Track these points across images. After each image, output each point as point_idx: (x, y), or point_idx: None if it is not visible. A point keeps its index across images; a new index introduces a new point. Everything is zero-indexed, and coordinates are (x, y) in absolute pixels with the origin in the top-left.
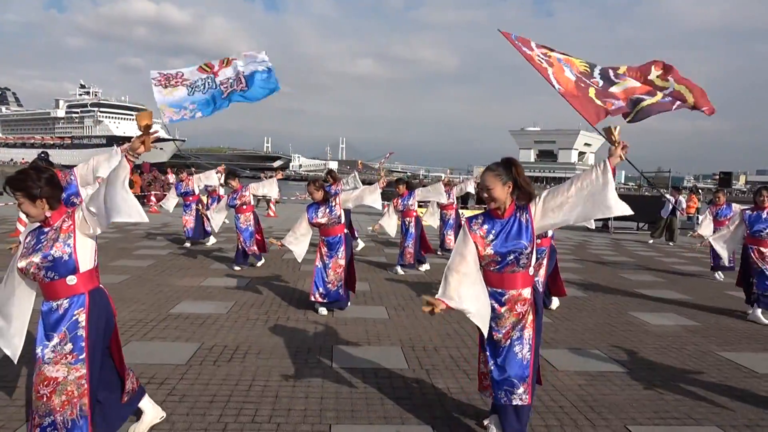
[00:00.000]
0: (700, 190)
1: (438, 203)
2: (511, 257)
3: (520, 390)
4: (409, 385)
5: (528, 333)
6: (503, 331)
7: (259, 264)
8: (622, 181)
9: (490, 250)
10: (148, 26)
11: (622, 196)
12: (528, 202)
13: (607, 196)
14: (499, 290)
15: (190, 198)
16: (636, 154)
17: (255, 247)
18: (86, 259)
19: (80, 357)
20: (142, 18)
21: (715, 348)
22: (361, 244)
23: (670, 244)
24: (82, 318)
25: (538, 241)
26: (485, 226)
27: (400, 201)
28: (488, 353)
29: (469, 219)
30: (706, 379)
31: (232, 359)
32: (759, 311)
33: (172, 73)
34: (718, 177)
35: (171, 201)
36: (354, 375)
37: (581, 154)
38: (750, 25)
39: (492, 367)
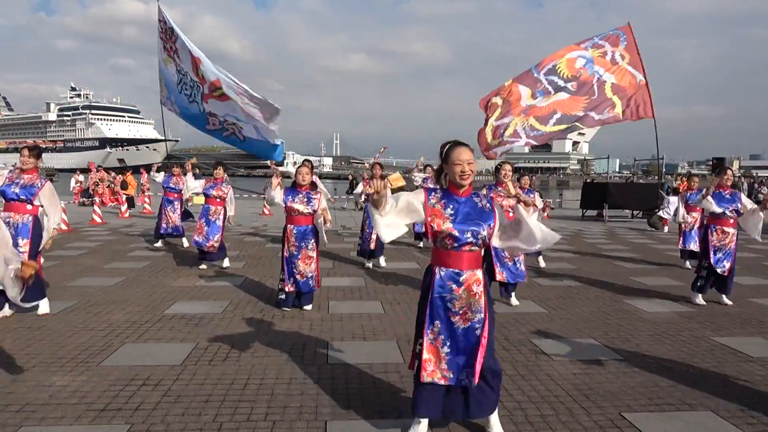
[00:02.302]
0: (695, 177)
1: (423, 187)
2: (469, 236)
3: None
4: (405, 379)
5: (484, 315)
6: (461, 313)
7: (225, 264)
8: (616, 170)
9: (449, 224)
10: (138, 26)
11: (616, 185)
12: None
13: (534, 235)
14: (457, 270)
15: (175, 195)
16: (630, 141)
17: (217, 244)
18: None
19: None
20: (132, 18)
21: (709, 333)
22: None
23: (666, 229)
24: None
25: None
26: (443, 201)
27: (371, 184)
28: (443, 336)
29: (428, 190)
30: (701, 365)
31: (227, 358)
32: (699, 296)
33: (172, 29)
34: (711, 163)
35: (158, 176)
36: (350, 370)
37: (575, 143)
38: (739, 10)
39: (448, 350)
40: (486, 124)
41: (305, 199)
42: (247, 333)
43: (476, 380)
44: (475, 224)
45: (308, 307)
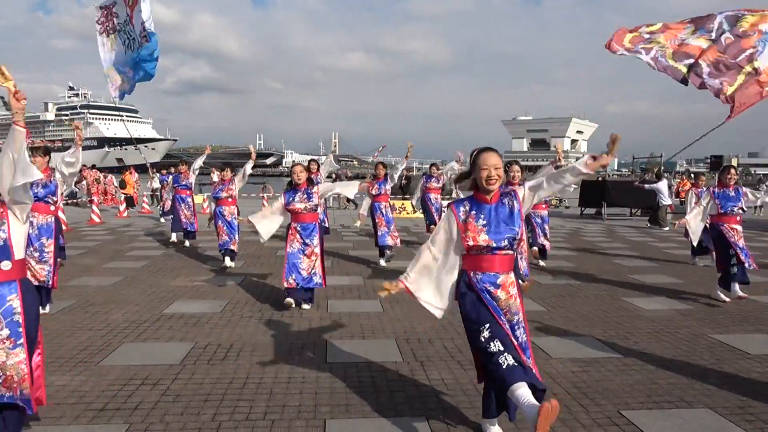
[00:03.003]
0: (692, 174)
1: (425, 187)
2: (506, 242)
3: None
4: (404, 377)
5: (522, 316)
6: (503, 312)
7: (231, 264)
8: (615, 168)
9: (484, 236)
10: None
11: (615, 183)
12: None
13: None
14: (493, 273)
15: (188, 191)
16: (628, 139)
17: (237, 240)
18: (20, 247)
19: (18, 342)
20: None
21: (708, 331)
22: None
23: (665, 229)
24: (17, 304)
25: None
26: (473, 212)
27: (376, 185)
28: (508, 339)
29: (456, 205)
30: (699, 362)
31: (226, 358)
32: (736, 285)
33: (108, 4)
34: (709, 160)
35: (167, 202)
36: (348, 369)
37: (573, 141)
38: (735, 6)
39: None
40: (635, 30)
41: (305, 196)
42: (246, 332)
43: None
44: (509, 230)
45: (306, 306)
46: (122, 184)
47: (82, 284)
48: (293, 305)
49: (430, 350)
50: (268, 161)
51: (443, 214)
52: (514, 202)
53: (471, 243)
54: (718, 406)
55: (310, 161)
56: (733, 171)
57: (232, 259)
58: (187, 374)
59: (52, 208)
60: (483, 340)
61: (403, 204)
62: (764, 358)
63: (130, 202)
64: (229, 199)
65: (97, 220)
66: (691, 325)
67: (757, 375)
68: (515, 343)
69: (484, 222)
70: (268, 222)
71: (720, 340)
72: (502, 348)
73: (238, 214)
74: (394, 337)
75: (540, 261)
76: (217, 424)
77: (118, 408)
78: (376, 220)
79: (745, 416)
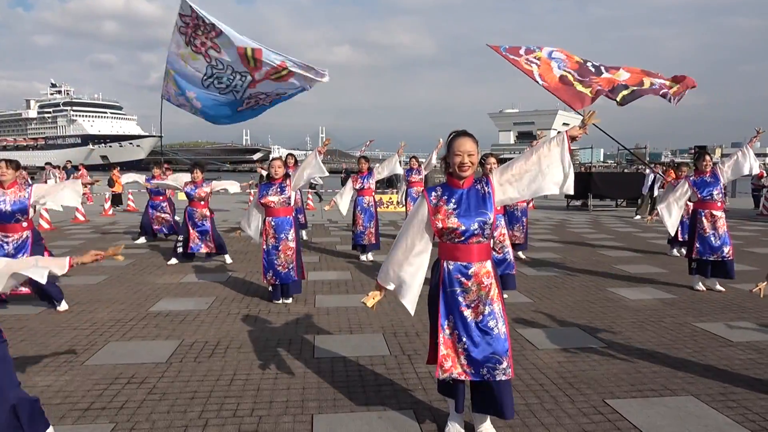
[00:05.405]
0: (676, 165)
1: (408, 181)
2: (476, 227)
3: (504, 365)
4: (391, 371)
5: (498, 306)
6: (473, 306)
7: (228, 261)
8: (601, 159)
9: (454, 219)
10: (118, 20)
11: (601, 174)
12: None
13: (556, 172)
14: (465, 263)
15: (160, 198)
16: (613, 131)
17: (213, 244)
18: None
19: None
20: (111, 12)
21: (691, 319)
22: (304, 236)
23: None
24: None
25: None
26: (445, 196)
27: (359, 179)
28: (459, 331)
29: (429, 190)
30: (683, 350)
31: (213, 355)
32: (697, 277)
33: (207, 21)
34: (693, 151)
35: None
36: (336, 364)
37: (558, 134)
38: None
39: (466, 345)
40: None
41: (278, 190)
42: (233, 329)
43: (512, 373)
44: (480, 214)
45: (288, 300)
46: (110, 183)
47: (66, 283)
48: (278, 300)
49: (418, 343)
50: (255, 157)
51: (417, 199)
52: (486, 187)
53: (440, 225)
54: (701, 394)
55: (287, 155)
56: (707, 157)
57: (223, 253)
58: (173, 372)
59: (24, 225)
60: (435, 341)
61: (390, 198)
62: (746, 345)
63: (117, 199)
64: (201, 202)
65: (81, 218)
66: (675, 314)
67: (739, 362)
68: (460, 350)
69: (455, 206)
70: (254, 223)
71: (703, 329)
72: (449, 363)
73: (211, 218)
74: (382, 332)
75: (520, 253)
76: (203, 422)
77: (104, 407)
78: (356, 217)
79: (727, 402)
